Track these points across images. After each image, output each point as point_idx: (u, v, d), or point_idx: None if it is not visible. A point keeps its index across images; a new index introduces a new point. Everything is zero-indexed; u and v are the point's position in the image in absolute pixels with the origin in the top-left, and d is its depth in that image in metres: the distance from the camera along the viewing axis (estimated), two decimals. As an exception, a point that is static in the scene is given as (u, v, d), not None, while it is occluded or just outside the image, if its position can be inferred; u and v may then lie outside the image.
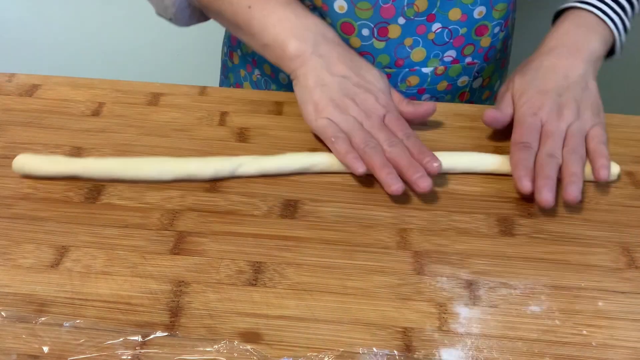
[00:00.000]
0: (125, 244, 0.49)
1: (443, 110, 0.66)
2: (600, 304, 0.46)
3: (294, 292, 0.46)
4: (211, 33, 0.99)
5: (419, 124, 0.62)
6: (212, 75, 1.04)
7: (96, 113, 0.64)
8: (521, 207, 0.54)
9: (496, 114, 0.59)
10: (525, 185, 0.52)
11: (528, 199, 0.54)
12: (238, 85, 0.84)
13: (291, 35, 0.61)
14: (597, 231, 0.52)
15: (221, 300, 0.45)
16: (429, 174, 0.53)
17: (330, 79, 0.59)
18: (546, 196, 0.51)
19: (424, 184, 0.52)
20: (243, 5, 0.62)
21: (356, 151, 0.55)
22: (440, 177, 0.57)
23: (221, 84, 0.89)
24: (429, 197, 0.55)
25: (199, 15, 0.71)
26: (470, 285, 0.47)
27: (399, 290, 0.46)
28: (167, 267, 0.48)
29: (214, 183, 0.55)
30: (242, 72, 0.82)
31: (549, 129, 0.56)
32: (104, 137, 0.60)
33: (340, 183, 0.56)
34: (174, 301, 0.45)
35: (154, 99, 0.66)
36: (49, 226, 0.51)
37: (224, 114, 0.64)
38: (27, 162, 0.55)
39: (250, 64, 0.80)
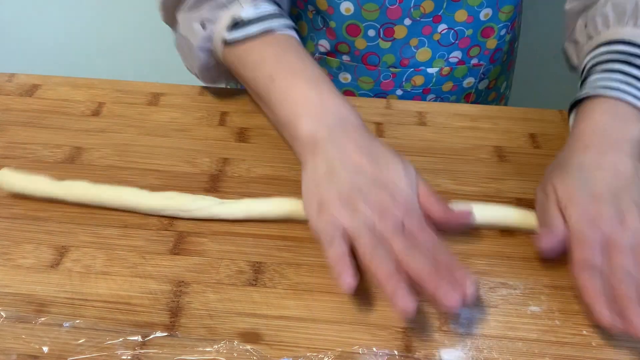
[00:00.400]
0: (125, 244, 0.49)
1: (443, 110, 0.66)
2: (600, 304, 0.46)
3: (294, 292, 0.46)
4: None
5: (450, 232, 0.50)
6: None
7: (96, 113, 0.64)
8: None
9: (551, 238, 0.47)
10: (607, 318, 0.42)
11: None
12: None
13: (307, 115, 0.53)
14: (597, 231, 0.52)
15: (221, 301, 0.45)
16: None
17: (342, 172, 0.49)
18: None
19: (452, 299, 0.41)
20: (265, 74, 0.56)
21: (360, 258, 0.45)
22: (440, 176, 0.57)
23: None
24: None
25: (227, 75, 0.64)
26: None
27: (399, 290, 0.46)
28: (167, 267, 0.48)
29: (213, 183, 0.55)
30: None
31: (615, 239, 0.46)
32: (104, 137, 0.60)
33: (340, 183, 0.56)
34: (173, 301, 0.45)
35: (154, 99, 0.66)
36: (49, 226, 0.51)
37: (224, 114, 0.64)
38: (6, 178, 0.53)
39: None
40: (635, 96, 0.53)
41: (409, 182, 0.49)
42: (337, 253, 0.44)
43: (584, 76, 0.58)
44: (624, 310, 0.42)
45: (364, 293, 0.46)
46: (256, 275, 0.47)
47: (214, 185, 0.55)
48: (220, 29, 0.59)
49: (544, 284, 0.47)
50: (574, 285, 0.45)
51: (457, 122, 0.64)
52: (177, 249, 0.49)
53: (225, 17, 0.59)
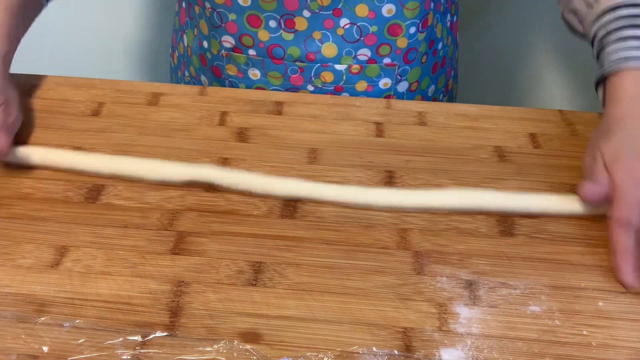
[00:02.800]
0: (125, 244, 0.49)
1: (443, 110, 0.66)
2: (600, 304, 0.46)
3: (294, 292, 0.46)
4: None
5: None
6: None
7: (96, 113, 0.64)
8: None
9: (596, 188, 0.51)
10: (630, 280, 0.47)
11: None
12: None
13: None
14: (597, 231, 0.52)
15: (221, 300, 0.45)
16: None
17: None
18: None
19: None
20: None
21: None
22: (440, 176, 0.57)
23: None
24: (429, 197, 0.55)
25: None
26: (470, 285, 0.47)
27: (399, 290, 0.46)
28: (167, 267, 0.48)
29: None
30: (179, 73, 0.84)
31: None
32: (104, 137, 0.60)
33: (341, 183, 0.56)
34: (174, 301, 0.45)
35: (154, 99, 0.66)
36: (49, 226, 0.51)
37: (224, 114, 0.64)
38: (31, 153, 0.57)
39: (182, 65, 0.82)
40: None
41: None
42: None
43: (599, 47, 0.59)
44: None
45: (364, 293, 0.46)
46: (256, 275, 0.47)
47: (214, 186, 0.55)
48: None
49: (544, 284, 0.47)
50: (607, 238, 0.49)
51: (457, 122, 0.64)
52: (177, 249, 0.49)
53: None
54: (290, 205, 0.53)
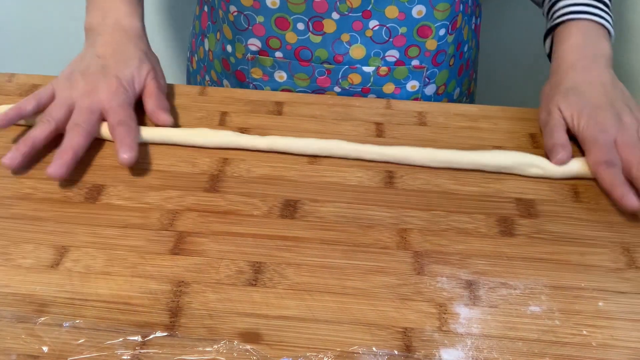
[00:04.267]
0: (125, 244, 0.49)
1: (443, 110, 0.66)
2: (600, 304, 0.46)
3: (294, 292, 0.46)
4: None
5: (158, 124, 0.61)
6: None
7: (96, 113, 0.64)
8: (521, 207, 0.54)
9: (566, 152, 0.56)
10: (634, 202, 0.51)
11: (527, 203, 0.55)
12: None
13: (92, 14, 0.68)
14: (597, 231, 0.52)
15: (221, 300, 0.45)
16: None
17: (87, 56, 0.63)
18: None
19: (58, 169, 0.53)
20: None
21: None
22: (440, 176, 0.57)
23: None
24: (429, 197, 0.55)
25: None
26: (470, 285, 0.47)
27: (399, 290, 0.46)
28: (167, 267, 0.48)
29: (213, 183, 0.55)
30: (199, 77, 0.84)
31: (625, 140, 0.55)
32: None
33: (340, 183, 0.56)
34: (173, 301, 0.45)
35: (154, 99, 0.66)
36: (49, 226, 0.51)
37: (224, 114, 0.64)
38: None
39: (202, 70, 0.81)
40: (599, 16, 0.64)
41: (132, 75, 0.61)
42: (28, 105, 0.58)
43: (551, 2, 0.68)
44: None
45: (363, 293, 0.46)
46: (256, 275, 0.47)
47: (213, 185, 0.55)
48: None
49: (544, 284, 0.47)
50: (596, 182, 0.55)
51: (457, 122, 0.64)
52: (177, 249, 0.49)
53: None
54: (290, 205, 0.53)
